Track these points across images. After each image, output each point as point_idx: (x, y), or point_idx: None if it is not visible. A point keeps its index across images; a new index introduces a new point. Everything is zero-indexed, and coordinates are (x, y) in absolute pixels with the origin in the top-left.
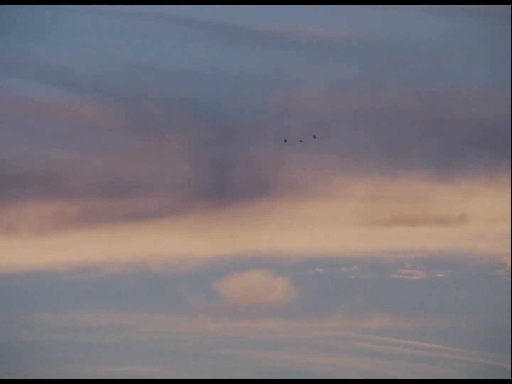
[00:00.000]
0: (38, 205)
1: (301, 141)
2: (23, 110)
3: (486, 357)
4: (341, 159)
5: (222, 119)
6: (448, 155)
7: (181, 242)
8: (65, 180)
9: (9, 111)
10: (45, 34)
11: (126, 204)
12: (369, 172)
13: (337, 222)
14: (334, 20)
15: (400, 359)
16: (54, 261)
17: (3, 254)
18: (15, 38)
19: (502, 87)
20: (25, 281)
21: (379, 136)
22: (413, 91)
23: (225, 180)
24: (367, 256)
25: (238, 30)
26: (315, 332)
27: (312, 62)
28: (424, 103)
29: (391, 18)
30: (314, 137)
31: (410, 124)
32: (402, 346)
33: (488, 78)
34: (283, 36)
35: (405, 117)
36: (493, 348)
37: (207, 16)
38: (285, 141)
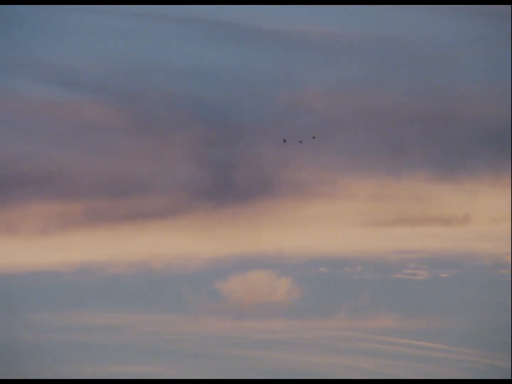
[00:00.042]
0: (40, 205)
1: (300, 141)
2: (25, 110)
3: (491, 357)
4: (344, 159)
5: (225, 119)
6: (452, 155)
7: (184, 242)
8: (68, 180)
9: (11, 111)
10: (47, 34)
11: (129, 204)
12: (373, 172)
13: (341, 222)
14: (339, 20)
15: (404, 359)
16: (56, 261)
17: (5, 254)
18: (18, 38)
19: (504, 87)
20: (27, 281)
21: (383, 136)
22: (416, 91)
23: (228, 180)
24: (371, 256)
25: (242, 30)
26: (318, 332)
27: (316, 62)
28: (427, 103)
29: (395, 18)
30: (314, 137)
31: (414, 124)
32: (406, 346)
33: (489, 78)
34: (288, 36)
35: (409, 117)
36: (498, 348)
37: (211, 16)
38: (284, 141)
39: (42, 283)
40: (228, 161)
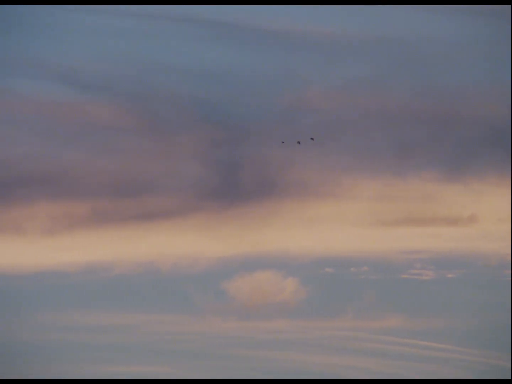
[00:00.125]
0: (46, 205)
1: (299, 142)
2: (32, 110)
3: (497, 357)
4: (350, 159)
5: (231, 119)
6: (458, 155)
7: (190, 242)
8: (74, 180)
9: (18, 111)
10: (54, 34)
11: (135, 204)
12: (378, 172)
13: (347, 222)
14: (343, 20)
15: (410, 359)
16: (62, 261)
17: (11, 255)
18: (24, 38)
19: (504, 86)
20: (33, 281)
21: (389, 136)
22: (422, 91)
23: (234, 180)
24: (377, 256)
25: (248, 30)
26: (324, 332)
27: (321, 62)
28: (433, 103)
29: (395, 18)
30: (312, 139)
31: (420, 124)
32: (412, 346)
33: (489, 78)
34: (293, 36)
35: (415, 117)
36: (505, 349)
37: (216, 16)
38: (283, 142)
39: (48, 283)
40: (234, 161)
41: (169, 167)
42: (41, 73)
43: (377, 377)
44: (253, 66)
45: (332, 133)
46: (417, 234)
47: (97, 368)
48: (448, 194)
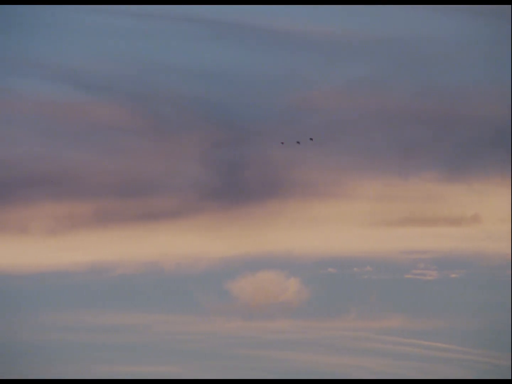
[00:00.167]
0: (51, 206)
1: (298, 142)
2: (37, 110)
3: (502, 357)
4: (352, 159)
5: (234, 119)
6: (460, 155)
7: (193, 242)
8: (77, 181)
9: (24, 111)
10: (54, 34)
11: (139, 204)
12: (381, 172)
13: (349, 223)
14: (347, 20)
15: (413, 359)
16: (66, 261)
17: (16, 255)
18: (24, 38)
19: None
20: (37, 281)
21: (391, 136)
22: (423, 91)
23: (237, 181)
24: (380, 256)
25: (251, 30)
26: (327, 333)
27: (324, 62)
28: (434, 103)
29: (399, 18)
30: (311, 139)
31: (422, 124)
32: (415, 346)
33: (490, 78)
34: (296, 36)
35: (417, 117)
36: (506, 348)
37: (220, 16)
38: (282, 143)
39: (52, 283)
40: (237, 161)
41: (171, 167)
42: (41, 73)
43: (380, 377)
44: (257, 66)
45: (334, 133)
46: (420, 234)
47: (100, 368)
48: (451, 194)
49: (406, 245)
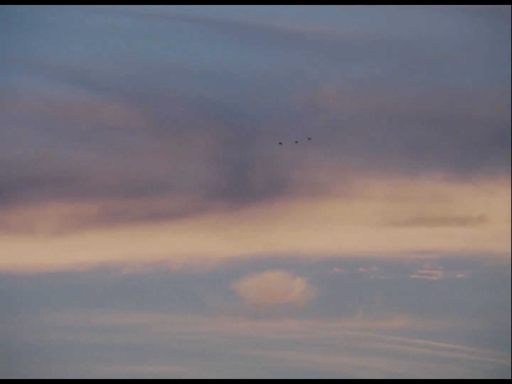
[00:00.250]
0: (58, 205)
1: (296, 142)
2: (42, 110)
3: (508, 357)
4: (360, 159)
5: (242, 119)
6: (468, 155)
7: (200, 242)
8: (84, 180)
9: (28, 111)
10: (54, 34)
11: (145, 204)
12: (389, 172)
13: (356, 223)
14: (347, 20)
15: (419, 359)
16: (73, 261)
17: (22, 255)
18: (24, 38)
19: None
20: (44, 281)
21: (399, 136)
22: (424, 91)
23: (244, 180)
24: (386, 256)
25: (259, 29)
26: (333, 332)
27: (332, 62)
28: (443, 103)
29: (399, 18)
30: (309, 139)
31: (430, 124)
32: (421, 346)
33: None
34: (304, 35)
35: (426, 117)
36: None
37: (220, 16)
38: (280, 143)
39: (59, 283)
40: (244, 161)
41: (179, 167)
42: (41, 73)
43: (386, 377)
44: (265, 66)
45: (342, 133)
46: (427, 234)
47: (105, 368)
48: (458, 194)
49: (412, 245)
